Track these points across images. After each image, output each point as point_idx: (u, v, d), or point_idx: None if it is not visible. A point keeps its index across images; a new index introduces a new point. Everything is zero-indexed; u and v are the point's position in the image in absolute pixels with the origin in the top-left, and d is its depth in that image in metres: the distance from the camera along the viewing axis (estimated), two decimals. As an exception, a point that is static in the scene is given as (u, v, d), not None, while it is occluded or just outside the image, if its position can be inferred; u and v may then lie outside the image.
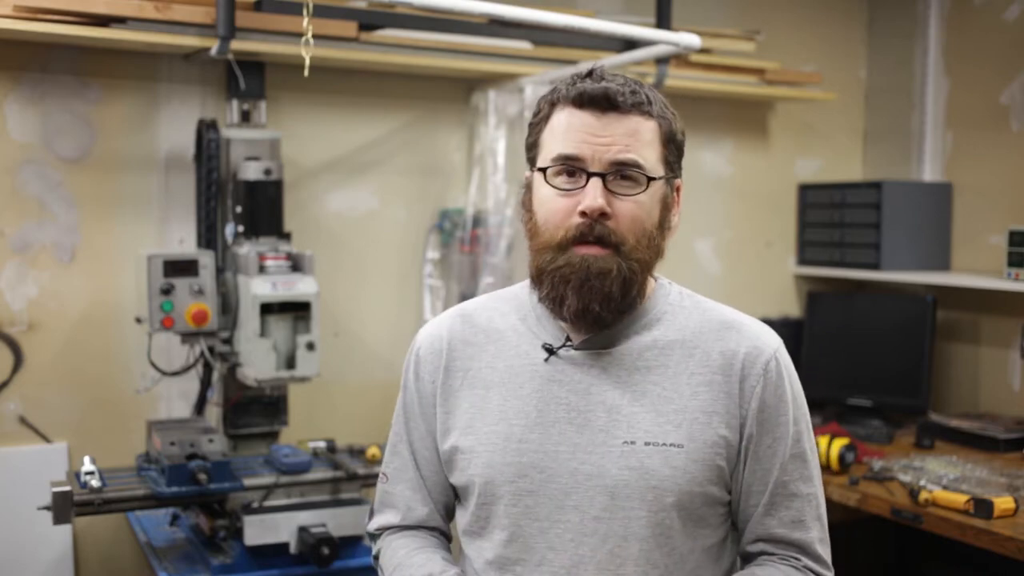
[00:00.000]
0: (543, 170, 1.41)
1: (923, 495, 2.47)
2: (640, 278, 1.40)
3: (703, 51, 3.02)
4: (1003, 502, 2.37)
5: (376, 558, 1.59)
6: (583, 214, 1.36)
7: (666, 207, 1.43)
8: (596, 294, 1.36)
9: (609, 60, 2.96)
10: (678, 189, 1.48)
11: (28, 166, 2.71)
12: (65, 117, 2.74)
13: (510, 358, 1.47)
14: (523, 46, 3.05)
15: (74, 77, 2.74)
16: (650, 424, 1.39)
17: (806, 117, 3.80)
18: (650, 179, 1.38)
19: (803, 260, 3.77)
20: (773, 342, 1.46)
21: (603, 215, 1.36)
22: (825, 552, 1.46)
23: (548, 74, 3.02)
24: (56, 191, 2.74)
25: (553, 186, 1.39)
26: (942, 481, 2.60)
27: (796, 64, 3.69)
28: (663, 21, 2.95)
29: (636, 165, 1.37)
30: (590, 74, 1.42)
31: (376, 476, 2.53)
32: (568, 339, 1.44)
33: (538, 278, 1.42)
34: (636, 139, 1.38)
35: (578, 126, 1.38)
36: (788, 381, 1.44)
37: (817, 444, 2.48)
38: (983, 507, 2.36)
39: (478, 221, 3.11)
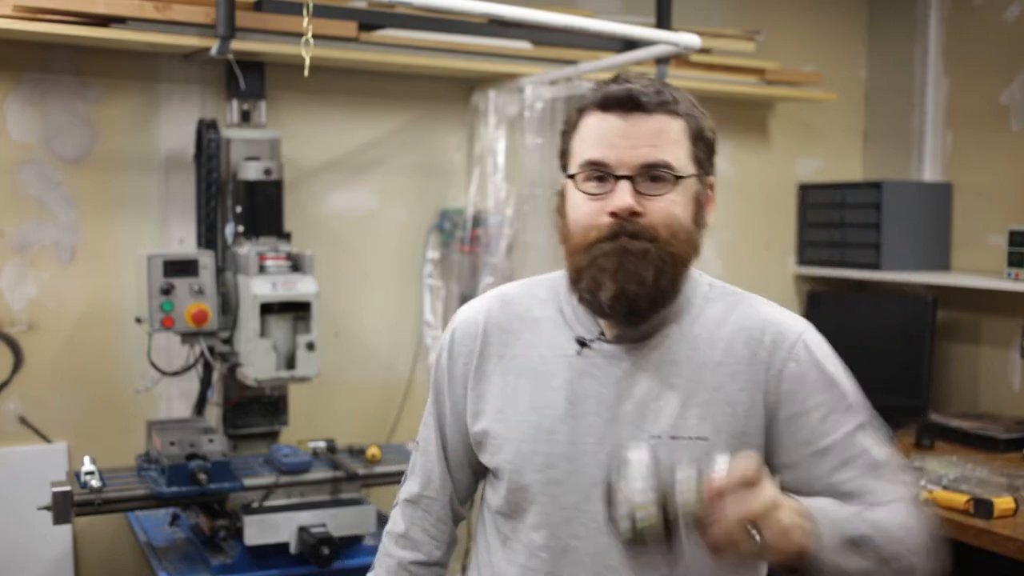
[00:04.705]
0: (573, 176, 1.41)
1: (923, 495, 2.47)
2: (673, 271, 1.39)
3: (703, 51, 3.01)
4: (1003, 502, 2.37)
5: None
6: (613, 215, 1.36)
7: (700, 204, 1.43)
8: (632, 275, 1.36)
9: (609, 60, 2.96)
10: (712, 186, 1.47)
11: (28, 166, 2.71)
12: (65, 117, 2.73)
13: (544, 348, 1.48)
14: (523, 46, 3.04)
15: (74, 77, 2.74)
16: (675, 417, 1.39)
17: (806, 117, 3.79)
18: (679, 177, 1.37)
19: (803, 260, 3.77)
20: (798, 326, 1.45)
21: (634, 214, 1.35)
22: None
23: (548, 74, 3.01)
24: (56, 191, 2.73)
25: (583, 191, 1.40)
26: (942, 481, 2.60)
27: (796, 64, 3.69)
28: (663, 21, 2.95)
29: (665, 166, 1.36)
30: (616, 78, 1.42)
31: (376, 476, 2.57)
32: (602, 333, 1.45)
33: (577, 278, 1.41)
34: (663, 138, 1.37)
35: (604, 129, 1.38)
36: (819, 361, 1.42)
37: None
38: (983, 507, 2.36)
39: (478, 221, 3.11)
